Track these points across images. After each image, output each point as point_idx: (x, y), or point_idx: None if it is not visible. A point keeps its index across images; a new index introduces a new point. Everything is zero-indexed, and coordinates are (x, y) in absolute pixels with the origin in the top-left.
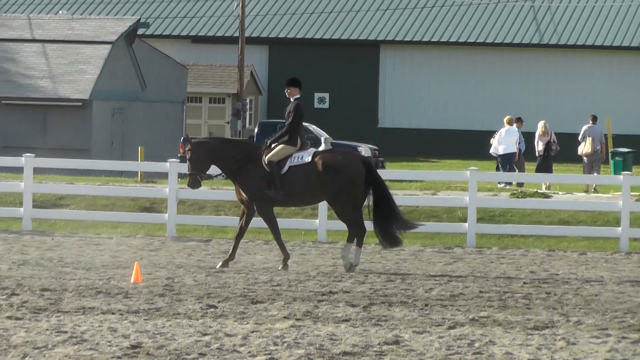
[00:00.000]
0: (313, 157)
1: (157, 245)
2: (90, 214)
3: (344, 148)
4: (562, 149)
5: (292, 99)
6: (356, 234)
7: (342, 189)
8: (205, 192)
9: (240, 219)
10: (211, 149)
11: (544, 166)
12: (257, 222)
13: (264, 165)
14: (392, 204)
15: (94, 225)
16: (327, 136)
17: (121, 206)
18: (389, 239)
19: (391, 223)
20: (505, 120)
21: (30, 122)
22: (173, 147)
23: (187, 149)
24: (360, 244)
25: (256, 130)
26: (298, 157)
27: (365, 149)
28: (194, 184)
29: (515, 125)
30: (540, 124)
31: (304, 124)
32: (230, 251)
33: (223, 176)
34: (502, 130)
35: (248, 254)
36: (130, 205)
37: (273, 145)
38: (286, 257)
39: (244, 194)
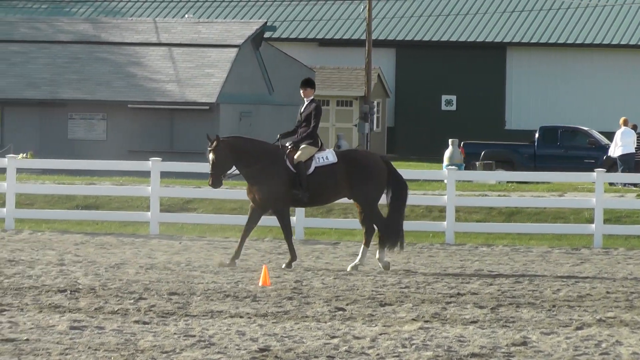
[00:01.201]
0: (337, 157)
1: (285, 248)
2: (217, 217)
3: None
4: None
5: (306, 100)
6: (371, 234)
7: (370, 188)
8: None
9: (250, 218)
10: (233, 148)
11: None
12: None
13: (289, 166)
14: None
15: (222, 228)
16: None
17: (248, 210)
18: (394, 240)
19: (401, 225)
20: (620, 121)
21: (156, 126)
22: None
23: (209, 148)
24: (368, 244)
25: (536, 135)
26: (322, 158)
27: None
28: (217, 183)
29: (630, 126)
30: None
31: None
32: (236, 249)
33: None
34: (619, 132)
35: (375, 256)
36: None
37: (301, 147)
38: (293, 259)
39: (258, 194)
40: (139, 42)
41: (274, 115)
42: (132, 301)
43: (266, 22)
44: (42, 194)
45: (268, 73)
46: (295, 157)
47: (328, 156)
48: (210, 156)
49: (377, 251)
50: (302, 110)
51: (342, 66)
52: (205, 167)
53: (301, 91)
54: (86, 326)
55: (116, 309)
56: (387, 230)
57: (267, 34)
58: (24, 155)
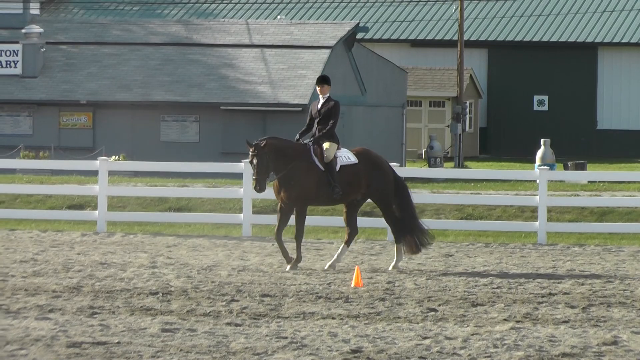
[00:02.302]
0: (357, 157)
1: (377, 249)
2: (310, 218)
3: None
4: None
5: (322, 97)
6: (353, 235)
7: (386, 188)
8: (425, 195)
9: (281, 219)
10: (273, 149)
11: None
12: (477, 225)
13: (318, 164)
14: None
15: (315, 230)
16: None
17: (340, 211)
18: (410, 240)
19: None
20: None
21: (249, 128)
22: (393, 151)
23: (250, 152)
24: (349, 244)
25: None
26: (345, 157)
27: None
28: (263, 187)
29: None
30: None
31: None
32: (284, 255)
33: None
34: None
35: (468, 256)
36: None
37: (324, 144)
38: (299, 259)
39: (289, 192)
40: (231, 43)
41: (366, 117)
42: (224, 303)
43: (358, 23)
44: (134, 196)
45: (360, 74)
46: (325, 155)
47: (349, 156)
48: (255, 161)
49: (395, 257)
50: (318, 107)
51: (434, 67)
52: None
53: (317, 88)
54: (178, 329)
55: (208, 311)
56: (401, 232)
57: (359, 35)
58: (117, 157)
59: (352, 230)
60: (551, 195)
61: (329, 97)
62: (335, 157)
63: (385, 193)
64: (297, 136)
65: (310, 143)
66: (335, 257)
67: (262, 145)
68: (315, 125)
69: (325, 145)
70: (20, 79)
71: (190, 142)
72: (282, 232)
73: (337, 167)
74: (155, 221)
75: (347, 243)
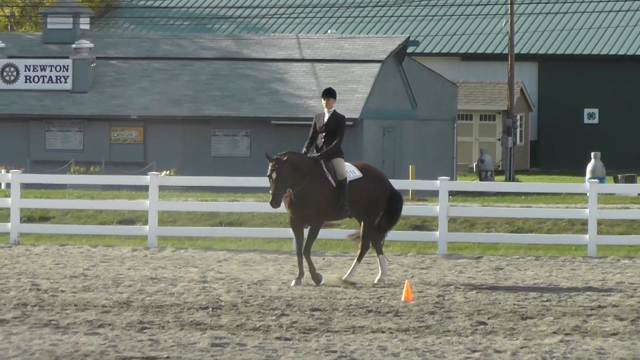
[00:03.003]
0: (361, 171)
1: (428, 263)
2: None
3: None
4: None
5: (327, 110)
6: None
7: (381, 201)
8: (476, 209)
9: (297, 234)
10: (291, 164)
11: None
12: (528, 238)
13: (331, 180)
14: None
15: None
16: None
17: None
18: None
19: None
20: None
21: (300, 142)
22: (444, 165)
23: (270, 166)
24: (381, 252)
25: None
26: (351, 172)
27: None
28: (279, 202)
29: None
30: None
31: None
32: (308, 269)
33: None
34: None
35: (519, 269)
36: (402, 223)
37: (334, 160)
38: (302, 275)
39: (304, 208)
40: (282, 58)
41: (417, 131)
42: (274, 317)
43: (409, 37)
44: (184, 211)
45: (411, 88)
46: (339, 172)
47: (354, 170)
48: (274, 175)
49: (351, 267)
50: (325, 121)
51: (484, 80)
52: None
53: (323, 101)
54: (227, 343)
55: (258, 326)
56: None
57: (410, 49)
58: (167, 172)
59: (373, 239)
60: (601, 208)
61: (334, 111)
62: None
63: (378, 205)
64: (305, 149)
65: (320, 158)
66: (380, 272)
67: (283, 159)
68: (321, 139)
69: (336, 161)
70: (71, 94)
71: (241, 156)
72: (301, 245)
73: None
74: (206, 236)
75: (380, 252)
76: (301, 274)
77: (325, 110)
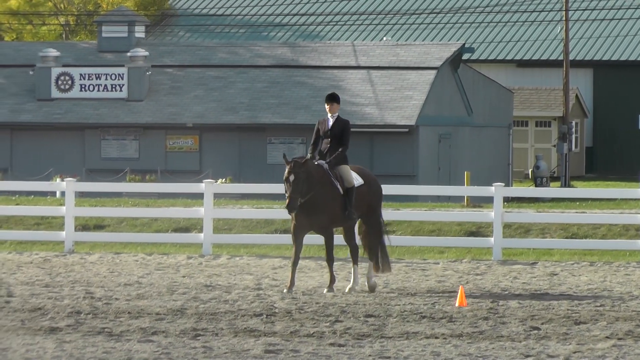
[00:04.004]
0: (362, 178)
1: (483, 269)
2: (416, 239)
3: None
4: None
5: (331, 115)
6: (376, 250)
7: (379, 207)
8: (531, 215)
9: (298, 240)
10: (307, 169)
11: None
12: (582, 244)
13: (339, 188)
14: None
15: (420, 250)
16: None
17: (447, 231)
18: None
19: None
20: None
21: (356, 149)
22: (500, 172)
23: (287, 169)
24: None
25: None
26: (356, 179)
27: None
28: (294, 207)
29: None
30: None
31: None
32: (291, 278)
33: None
34: None
35: (573, 275)
36: (457, 229)
37: (341, 167)
38: (333, 280)
39: (316, 216)
40: (337, 65)
41: (473, 137)
42: (328, 324)
43: (464, 44)
44: (240, 218)
45: (467, 94)
46: (347, 180)
47: (357, 178)
48: (291, 178)
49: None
50: (329, 126)
51: (540, 87)
52: (406, 190)
53: (327, 106)
54: (281, 349)
55: (312, 332)
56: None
57: (465, 56)
58: (223, 180)
59: (352, 248)
60: None
61: (338, 116)
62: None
63: (377, 209)
64: (309, 155)
65: (325, 165)
66: (353, 280)
67: (302, 162)
68: (326, 144)
69: (343, 168)
70: (126, 102)
71: None
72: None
73: None
74: (261, 243)
75: (354, 262)
76: (292, 283)
77: (329, 115)
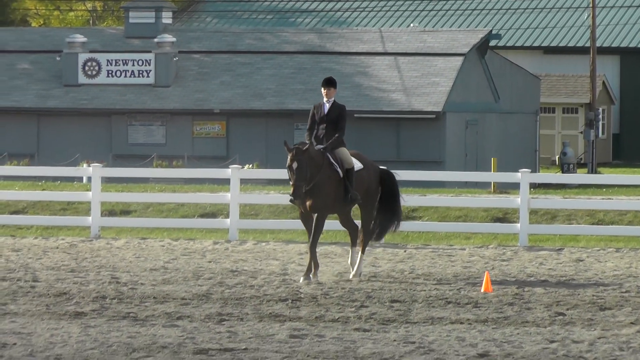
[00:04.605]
0: (361, 163)
1: (509, 255)
2: (443, 225)
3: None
4: None
5: (327, 100)
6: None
7: (376, 190)
8: (557, 201)
9: (308, 226)
10: (310, 155)
11: None
12: (609, 230)
13: (339, 171)
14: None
15: (447, 236)
16: None
17: (474, 217)
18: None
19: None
20: None
21: (383, 135)
22: (527, 158)
23: (290, 157)
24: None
25: None
26: (356, 163)
27: None
28: (299, 195)
29: None
30: None
31: None
32: (309, 264)
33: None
34: None
35: (599, 261)
36: (483, 216)
37: (339, 150)
38: (317, 266)
39: (315, 199)
40: (364, 51)
41: (500, 124)
42: (353, 309)
43: (491, 31)
44: (266, 204)
45: (494, 81)
46: (346, 161)
47: (357, 162)
48: (294, 165)
49: (351, 253)
50: (325, 111)
51: (567, 73)
52: (431, 175)
53: (324, 91)
54: (306, 334)
55: (337, 317)
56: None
57: (492, 42)
58: (250, 166)
59: (352, 230)
60: None
61: (334, 101)
62: None
63: (374, 194)
64: (308, 139)
65: (325, 150)
66: (355, 267)
67: (303, 149)
68: (322, 130)
69: (342, 151)
70: (153, 88)
71: None
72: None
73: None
74: (287, 229)
75: (353, 244)
76: (316, 265)
77: (325, 100)
